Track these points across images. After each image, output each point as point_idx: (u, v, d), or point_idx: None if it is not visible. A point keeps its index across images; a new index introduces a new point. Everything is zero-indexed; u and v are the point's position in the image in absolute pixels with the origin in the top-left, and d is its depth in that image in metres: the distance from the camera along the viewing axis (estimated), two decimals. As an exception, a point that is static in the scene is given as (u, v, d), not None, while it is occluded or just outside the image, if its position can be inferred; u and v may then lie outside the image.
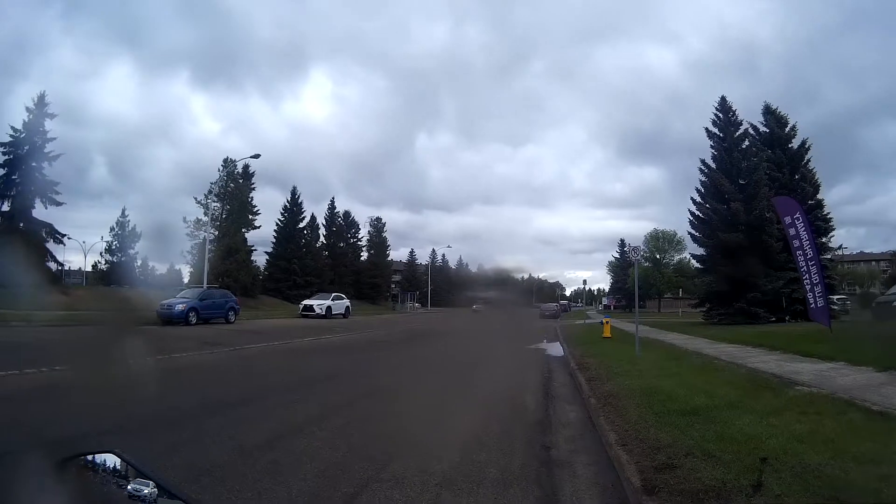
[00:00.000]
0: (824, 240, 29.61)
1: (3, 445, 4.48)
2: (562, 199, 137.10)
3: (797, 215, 15.76)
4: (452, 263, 79.11)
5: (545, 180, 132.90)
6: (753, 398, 6.92)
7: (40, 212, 34.73)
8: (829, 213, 31.59)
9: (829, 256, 31.40)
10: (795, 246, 15.64)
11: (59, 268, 39.77)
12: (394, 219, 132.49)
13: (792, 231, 15.66)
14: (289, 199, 56.02)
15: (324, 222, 61.74)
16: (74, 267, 51.35)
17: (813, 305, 15.22)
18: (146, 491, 1.64)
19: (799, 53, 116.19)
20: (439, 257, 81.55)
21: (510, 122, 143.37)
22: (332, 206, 63.53)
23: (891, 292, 25.29)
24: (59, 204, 35.09)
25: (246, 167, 46.54)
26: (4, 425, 5.61)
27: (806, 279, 15.21)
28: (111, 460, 1.69)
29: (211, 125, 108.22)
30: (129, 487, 1.65)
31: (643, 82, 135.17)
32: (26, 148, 34.04)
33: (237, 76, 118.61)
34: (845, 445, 4.54)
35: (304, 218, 56.95)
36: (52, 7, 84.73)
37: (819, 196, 31.65)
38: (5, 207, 33.73)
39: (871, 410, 5.96)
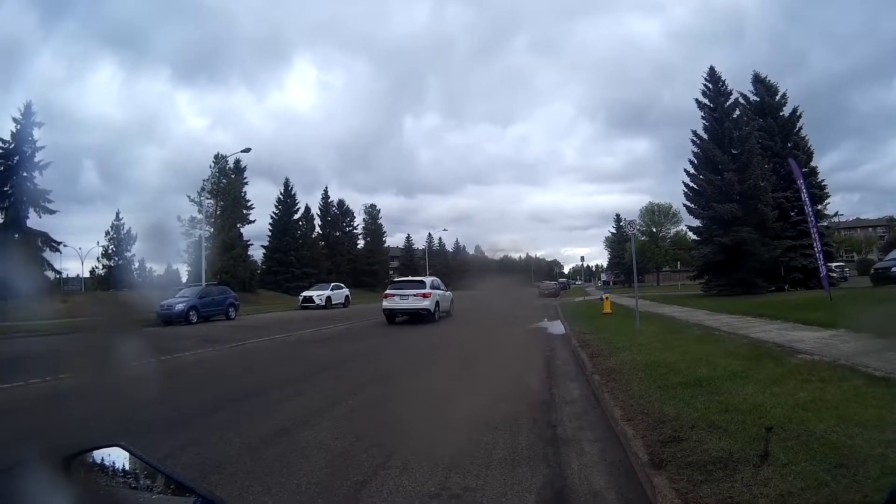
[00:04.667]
0: (819, 207, 29.63)
1: (10, 458, 4.48)
2: (554, 175, 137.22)
3: (802, 181, 15.79)
4: (449, 246, 79.32)
5: (535, 157, 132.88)
6: (756, 368, 6.95)
7: (35, 221, 34.90)
8: (822, 180, 31.71)
9: (825, 224, 31.47)
10: (806, 213, 15.65)
11: (58, 276, 39.80)
12: (388, 205, 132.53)
13: (802, 196, 15.66)
14: (282, 191, 56.07)
15: (318, 212, 61.95)
16: (72, 274, 51.28)
17: (823, 273, 15.26)
18: (155, 483, 1.63)
19: (783, 19, 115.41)
20: (436, 241, 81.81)
21: (497, 100, 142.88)
22: (325, 196, 63.68)
23: (889, 258, 25.37)
24: (52, 212, 35.29)
25: (237, 162, 46.39)
26: (12, 437, 5.59)
27: (816, 246, 15.24)
28: (118, 454, 1.67)
29: (197, 121, 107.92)
30: (137, 481, 1.64)
31: (628, 54, 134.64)
32: (16, 158, 34.08)
33: (220, 70, 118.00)
34: (849, 412, 4.57)
35: (298, 209, 57.06)
36: (29, 13, 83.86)
37: (812, 164, 31.64)
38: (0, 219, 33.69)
39: (873, 376, 5.98)
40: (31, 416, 6.84)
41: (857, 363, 6.76)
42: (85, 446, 1.67)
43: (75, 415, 6.64)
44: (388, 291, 20.85)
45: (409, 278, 24.63)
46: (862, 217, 77.19)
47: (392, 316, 20.31)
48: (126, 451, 1.67)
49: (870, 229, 76.88)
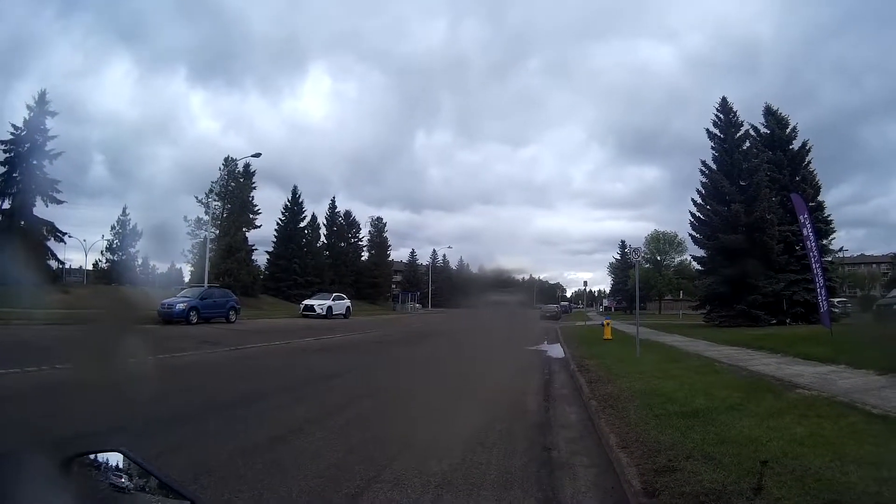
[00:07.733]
0: (825, 242, 29.52)
1: (5, 444, 4.49)
2: (562, 198, 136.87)
3: (806, 215, 15.79)
4: (453, 264, 79.12)
5: (545, 180, 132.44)
6: (754, 401, 6.92)
7: (41, 210, 34.81)
8: (829, 214, 31.58)
9: (829, 259, 31.36)
10: (808, 247, 15.64)
11: (60, 266, 39.69)
12: (394, 218, 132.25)
13: (804, 231, 15.65)
14: (289, 198, 56.00)
15: (324, 222, 61.68)
16: (75, 265, 51.15)
17: (823, 309, 15.22)
18: (151, 489, 1.65)
19: (797, 52, 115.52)
20: (440, 258, 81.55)
21: (509, 120, 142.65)
22: (332, 206, 63.45)
23: (892, 295, 25.31)
24: (59, 202, 35.20)
25: (247, 166, 46.55)
26: (7, 424, 5.61)
27: (818, 281, 15.21)
28: (116, 459, 1.69)
29: (210, 123, 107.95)
30: (134, 486, 1.66)
31: (642, 80, 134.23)
32: (27, 146, 33.96)
33: (235, 73, 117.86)
34: (846, 448, 4.55)
35: (304, 217, 56.92)
36: (48, 6, 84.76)
37: (819, 198, 31.63)
38: (6, 205, 33.70)
39: (871, 413, 5.97)
40: (25, 404, 6.84)
41: (856, 400, 6.74)
42: (86, 449, 1.69)
43: (71, 406, 6.64)
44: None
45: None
46: (867, 253, 76.65)
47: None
48: (126, 456, 1.69)
49: (874, 265, 76.33)
